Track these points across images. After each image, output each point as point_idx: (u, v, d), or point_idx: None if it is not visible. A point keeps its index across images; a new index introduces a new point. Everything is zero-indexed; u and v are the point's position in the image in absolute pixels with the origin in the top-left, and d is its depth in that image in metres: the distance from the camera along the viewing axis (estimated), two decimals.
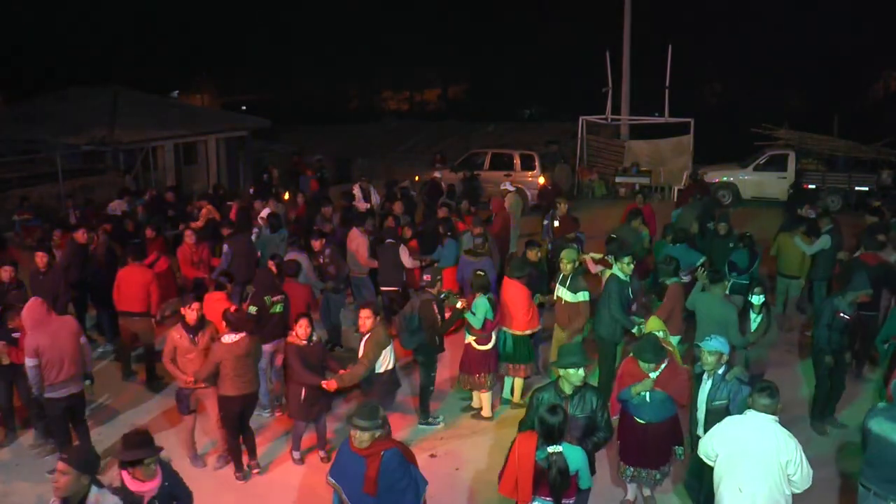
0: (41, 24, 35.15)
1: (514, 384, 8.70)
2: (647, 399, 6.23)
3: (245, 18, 39.38)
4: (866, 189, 19.20)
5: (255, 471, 7.36)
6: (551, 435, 4.90)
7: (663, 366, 6.29)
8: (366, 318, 7.26)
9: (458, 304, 8.27)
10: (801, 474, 5.02)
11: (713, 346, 6.15)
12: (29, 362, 6.92)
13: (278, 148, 26.51)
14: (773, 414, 5.15)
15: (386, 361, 7.35)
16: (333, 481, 5.10)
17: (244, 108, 40.46)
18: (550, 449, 4.93)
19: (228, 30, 38.72)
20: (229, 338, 6.96)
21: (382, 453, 4.94)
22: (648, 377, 6.22)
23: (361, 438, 4.92)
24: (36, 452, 7.70)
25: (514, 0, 38.59)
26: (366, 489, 4.91)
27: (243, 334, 7.02)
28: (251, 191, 16.39)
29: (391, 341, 7.45)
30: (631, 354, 6.48)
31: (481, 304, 8.11)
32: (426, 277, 8.32)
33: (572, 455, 4.99)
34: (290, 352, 7.23)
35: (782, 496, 5.06)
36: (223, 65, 42.35)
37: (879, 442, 4.96)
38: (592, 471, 5.76)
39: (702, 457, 5.49)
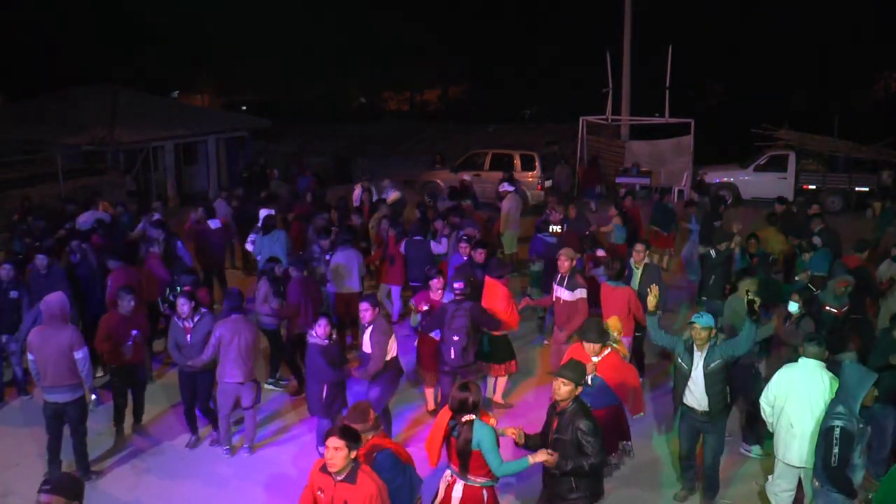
0: (41, 24, 35.12)
1: (497, 383, 8.70)
2: (589, 382, 6.26)
3: (245, 19, 39.31)
4: (866, 190, 19.22)
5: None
6: (452, 408, 5.23)
7: (606, 352, 6.39)
8: (365, 311, 7.29)
9: None
10: None
11: (706, 321, 6.28)
12: (29, 356, 6.98)
13: (278, 148, 26.49)
14: (821, 360, 5.86)
15: (391, 350, 7.37)
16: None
17: (244, 108, 40.48)
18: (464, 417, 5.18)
19: (228, 30, 38.64)
20: None
21: (376, 455, 5.01)
22: (591, 361, 6.28)
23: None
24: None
25: (514, 0, 38.56)
26: None
27: None
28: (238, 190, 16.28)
29: (392, 330, 7.52)
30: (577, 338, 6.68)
31: None
32: (458, 285, 7.87)
33: (478, 430, 5.10)
34: (313, 352, 7.25)
35: None
36: (223, 65, 42.30)
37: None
38: (598, 492, 5.52)
39: (763, 404, 6.10)
